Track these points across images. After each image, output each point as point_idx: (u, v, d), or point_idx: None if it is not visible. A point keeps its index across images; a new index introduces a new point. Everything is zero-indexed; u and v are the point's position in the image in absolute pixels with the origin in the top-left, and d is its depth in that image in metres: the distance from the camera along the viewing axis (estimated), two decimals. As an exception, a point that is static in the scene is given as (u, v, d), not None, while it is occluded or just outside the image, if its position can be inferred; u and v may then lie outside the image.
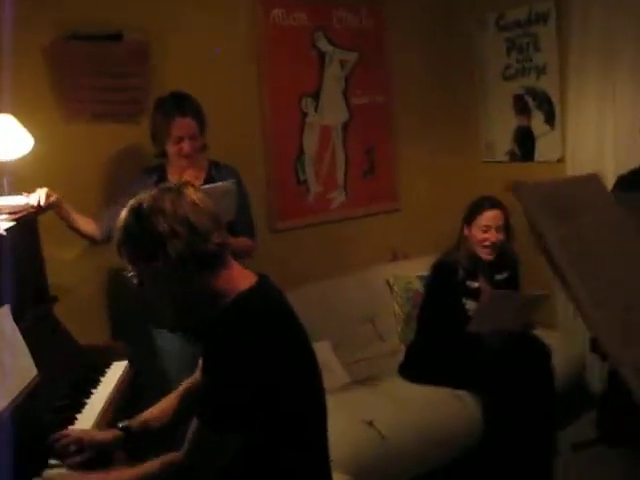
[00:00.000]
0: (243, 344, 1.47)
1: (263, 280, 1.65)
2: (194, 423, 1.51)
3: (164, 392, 1.94)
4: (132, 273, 1.57)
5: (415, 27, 4.27)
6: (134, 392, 2.37)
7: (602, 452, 3.26)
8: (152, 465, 1.53)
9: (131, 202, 1.56)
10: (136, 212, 1.53)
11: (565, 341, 3.74)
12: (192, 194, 1.54)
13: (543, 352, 3.21)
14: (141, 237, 1.51)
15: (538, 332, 3.49)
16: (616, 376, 2.99)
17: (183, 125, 2.69)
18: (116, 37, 3.06)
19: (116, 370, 2.40)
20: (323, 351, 3.25)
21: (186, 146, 2.69)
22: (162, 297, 1.60)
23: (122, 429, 1.80)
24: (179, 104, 2.71)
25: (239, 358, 1.45)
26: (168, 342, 2.76)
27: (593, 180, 1.19)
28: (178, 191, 1.54)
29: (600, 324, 0.92)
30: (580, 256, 0.98)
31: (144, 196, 1.55)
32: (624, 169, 3.18)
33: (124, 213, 1.55)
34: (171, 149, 2.73)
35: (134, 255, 1.54)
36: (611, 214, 1.10)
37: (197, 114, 2.74)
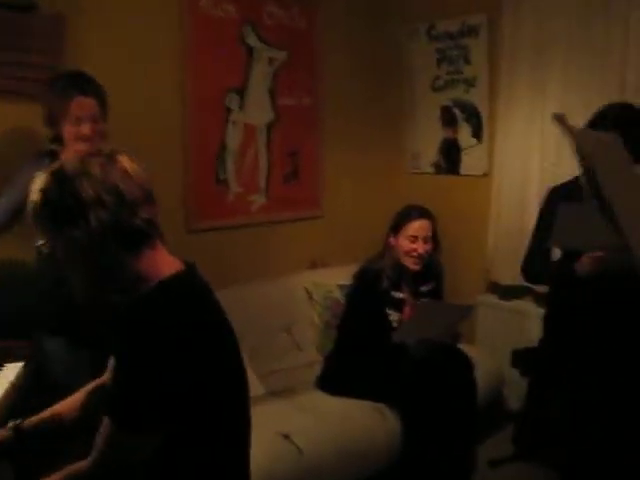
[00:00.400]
0: (162, 335, 1.30)
1: (190, 269, 1.48)
2: (104, 425, 1.31)
3: (55, 397, 1.73)
4: (42, 242, 1.36)
5: (348, 31, 4.19)
6: (28, 395, 2.14)
7: (519, 468, 3.22)
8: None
9: (53, 165, 1.37)
10: (58, 174, 1.34)
11: (485, 356, 3.69)
12: (125, 162, 1.36)
13: (467, 364, 3.14)
14: (61, 201, 1.31)
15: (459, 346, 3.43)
16: (534, 392, 2.95)
17: (84, 104, 2.39)
18: (28, 8, 2.80)
19: (8, 372, 2.16)
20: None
21: (86, 128, 2.40)
22: (74, 272, 1.39)
23: (12, 429, 1.58)
24: (79, 82, 2.42)
25: (157, 349, 1.29)
26: (54, 346, 2.49)
27: None
28: (109, 156, 1.36)
29: None
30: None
31: (70, 159, 1.36)
32: (550, 184, 3.16)
33: (43, 176, 1.35)
34: (68, 131, 2.41)
35: (50, 221, 1.34)
36: None
37: (99, 94, 2.45)
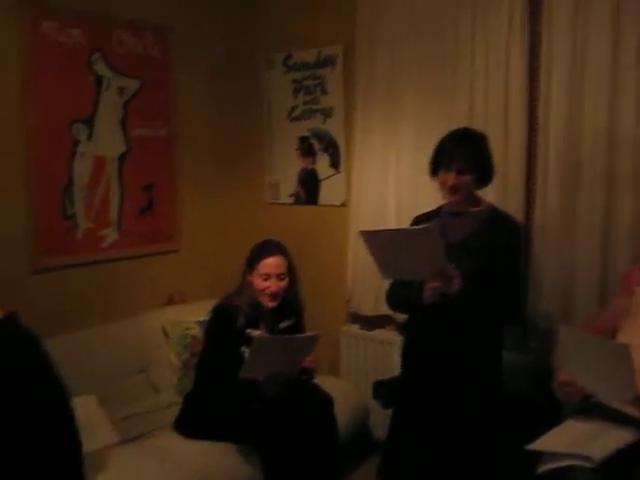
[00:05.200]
0: None
1: (11, 316, 1.37)
2: None
3: None
4: None
5: (204, 60, 4.10)
6: None
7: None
8: None
9: None
10: None
11: (349, 388, 3.67)
12: None
13: (324, 400, 3.08)
14: None
15: (323, 380, 3.37)
16: (394, 425, 2.94)
17: None
18: None
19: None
20: (87, 406, 2.83)
21: None
22: None
23: None
24: None
25: None
26: None
27: None
28: None
29: None
30: None
31: None
32: (406, 216, 3.19)
33: None
34: None
35: None
36: None
37: None
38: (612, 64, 2.90)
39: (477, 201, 2.80)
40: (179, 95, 3.97)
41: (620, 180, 2.94)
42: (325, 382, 3.35)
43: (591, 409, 2.39)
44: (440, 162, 2.75)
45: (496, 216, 2.79)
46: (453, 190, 2.72)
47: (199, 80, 4.08)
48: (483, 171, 2.74)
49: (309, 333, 2.99)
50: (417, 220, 2.91)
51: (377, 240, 2.60)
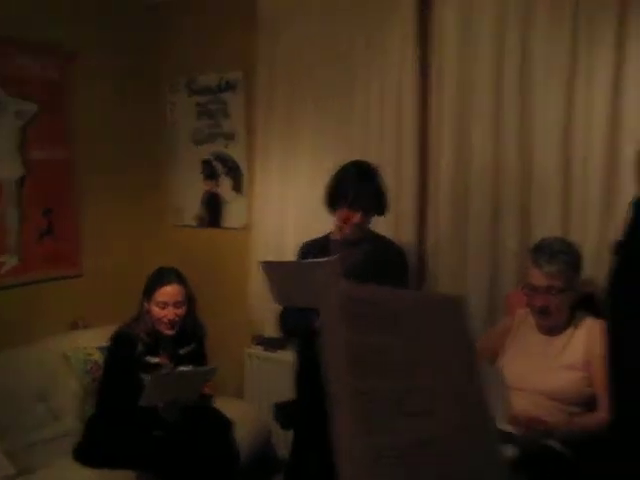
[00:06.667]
0: None
1: None
2: None
3: None
4: None
5: (107, 83, 4.07)
6: None
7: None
8: None
9: None
10: None
11: (252, 410, 3.71)
12: None
13: (224, 424, 3.12)
14: None
15: (226, 402, 3.41)
16: (294, 447, 2.99)
17: None
18: None
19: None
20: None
21: None
22: None
23: None
24: None
25: None
26: None
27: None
28: None
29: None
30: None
31: None
32: (306, 238, 3.26)
33: None
34: None
35: None
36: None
37: None
38: (496, 87, 3.06)
39: (364, 229, 2.90)
40: (80, 118, 3.93)
41: (505, 207, 3.09)
42: (228, 404, 3.39)
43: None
44: (341, 198, 2.81)
45: (382, 244, 2.90)
46: (357, 226, 2.81)
47: (101, 103, 4.06)
48: (383, 207, 2.86)
49: (206, 367, 3.08)
50: (306, 247, 2.99)
51: (277, 270, 2.68)
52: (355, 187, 2.77)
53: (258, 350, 3.91)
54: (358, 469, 0.72)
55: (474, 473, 0.81)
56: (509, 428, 2.35)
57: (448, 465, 0.78)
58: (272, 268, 2.70)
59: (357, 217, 2.77)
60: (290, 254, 3.56)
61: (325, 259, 2.61)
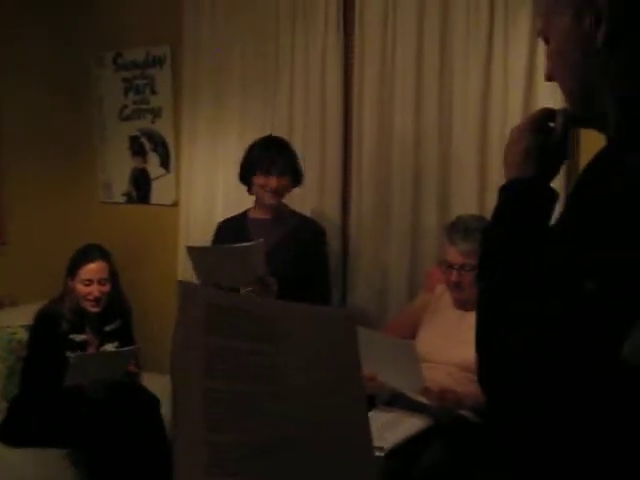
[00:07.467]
0: None
1: None
2: None
3: None
4: None
5: (29, 59, 3.97)
6: None
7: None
8: None
9: None
10: None
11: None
12: None
13: (150, 402, 3.14)
14: None
15: (156, 379, 3.43)
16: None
17: None
18: None
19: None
20: None
21: None
22: None
23: None
24: None
25: None
26: None
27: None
28: None
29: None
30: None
31: None
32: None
33: None
34: None
35: None
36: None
37: None
38: (417, 69, 3.12)
39: (283, 208, 2.97)
40: (3, 91, 3.85)
41: (426, 185, 3.17)
42: (158, 381, 3.40)
43: (396, 400, 2.60)
44: (256, 166, 2.88)
45: (302, 222, 2.95)
46: (275, 192, 2.86)
47: (24, 79, 3.97)
48: (297, 173, 2.92)
49: (129, 347, 3.10)
50: (223, 225, 3.04)
51: (202, 255, 2.71)
52: (267, 154, 2.89)
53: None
54: (198, 468, 0.75)
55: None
56: (423, 399, 2.44)
57: (301, 469, 0.81)
58: (198, 253, 2.74)
59: (273, 181, 2.85)
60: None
61: (250, 243, 2.66)
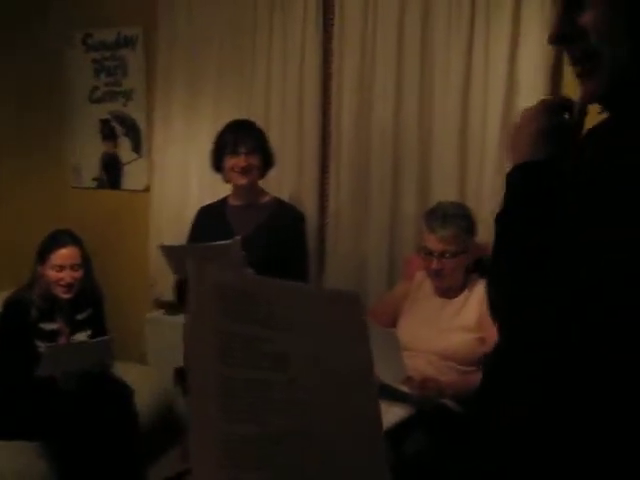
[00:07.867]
0: None
1: None
2: None
3: None
4: None
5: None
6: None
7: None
8: None
9: None
10: None
11: (154, 375, 3.66)
12: None
13: (123, 392, 3.07)
14: None
15: (128, 368, 3.36)
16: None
17: None
18: None
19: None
20: None
21: None
22: None
23: None
24: None
25: None
26: None
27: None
28: None
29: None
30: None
31: None
32: (208, 202, 3.23)
33: None
34: None
35: None
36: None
37: None
38: (398, 58, 3.08)
39: (262, 193, 2.92)
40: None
41: (405, 172, 3.14)
42: (131, 370, 3.35)
43: (379, 390, 2.56)
44: (225, 149, 2.86)
45: (281, 207, 2.91)
46: (245, 171, 2.83)
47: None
48: (267, 152, 2.89)
49: (100, 338, 3.01)
50: (202, 211, 2.98)
51: (177, 254, 2.65)
52: (233, 135, 2.88)
53: (159, 315, 3.85)
54: (214, 456, 0.71)
55: (348, 472, 0.80)
56: (404, 388, 2.41)
57: (316, 461, 0.78)
58: (173, 252, 2.68)
59: (241, 160, 2.82)
60: (192, 217, 3.52)
61: (227, 242, 2.61)
